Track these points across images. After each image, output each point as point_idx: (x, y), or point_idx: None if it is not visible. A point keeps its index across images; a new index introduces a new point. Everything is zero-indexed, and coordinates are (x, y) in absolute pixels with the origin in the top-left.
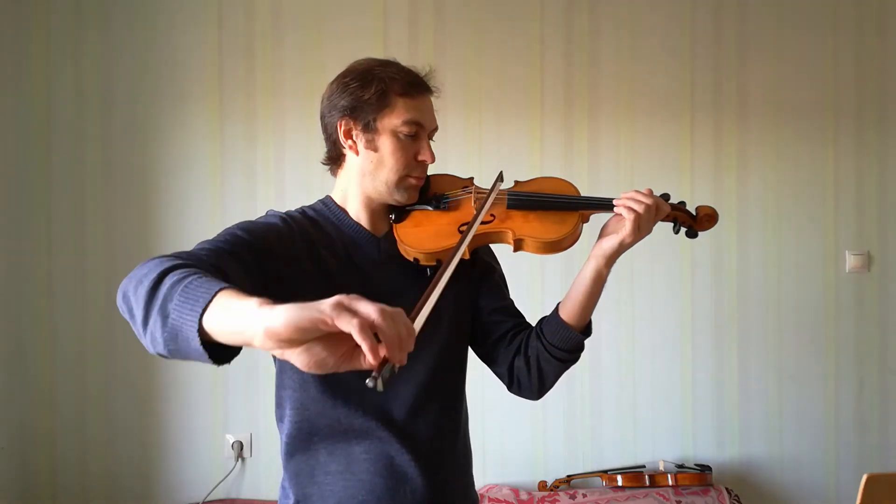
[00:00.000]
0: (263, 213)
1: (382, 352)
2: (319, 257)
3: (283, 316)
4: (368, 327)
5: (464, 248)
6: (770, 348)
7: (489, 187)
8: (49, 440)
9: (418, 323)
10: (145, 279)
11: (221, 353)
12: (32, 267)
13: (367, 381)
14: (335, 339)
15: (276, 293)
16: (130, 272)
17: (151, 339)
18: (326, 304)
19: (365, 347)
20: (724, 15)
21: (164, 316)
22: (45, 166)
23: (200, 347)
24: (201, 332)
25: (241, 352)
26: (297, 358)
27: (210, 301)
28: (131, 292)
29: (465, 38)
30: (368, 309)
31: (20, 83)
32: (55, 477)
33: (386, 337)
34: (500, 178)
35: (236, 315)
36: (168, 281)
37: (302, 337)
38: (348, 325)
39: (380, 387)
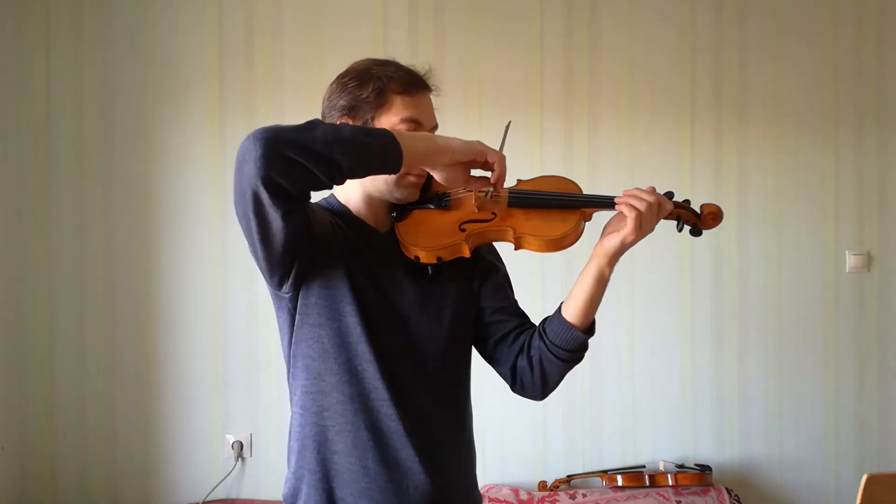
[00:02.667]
0: None
1: (493, 178)
2: (337, 236)
3: (458, 143)
4: (504, 162)
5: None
6: (770, 348)
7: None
8: (49, 440)
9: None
10: (307, 128)
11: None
12: (32, 267)
13: (487, 191)
14: (463, 169)
15: (313, 246)
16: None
17: (325, 151)
18: (478, 143)
19: (499, 170)
20: (724, 15)
21: (369, 134)
22: (45, 166)
23: (400, 156)
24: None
25: (245, 346)
26: (443, 170)
27: (390, 134)
28: (278, 126)
29: (465, 37)
30: (495, 151)
31: (20, 83)
32: (55, 477)
33: (501, 171)
34: (507, 126)
35: (423, 141)
36: (335, 128)
37: (462, 159)
38: (494, 157)
39: (489, 194)
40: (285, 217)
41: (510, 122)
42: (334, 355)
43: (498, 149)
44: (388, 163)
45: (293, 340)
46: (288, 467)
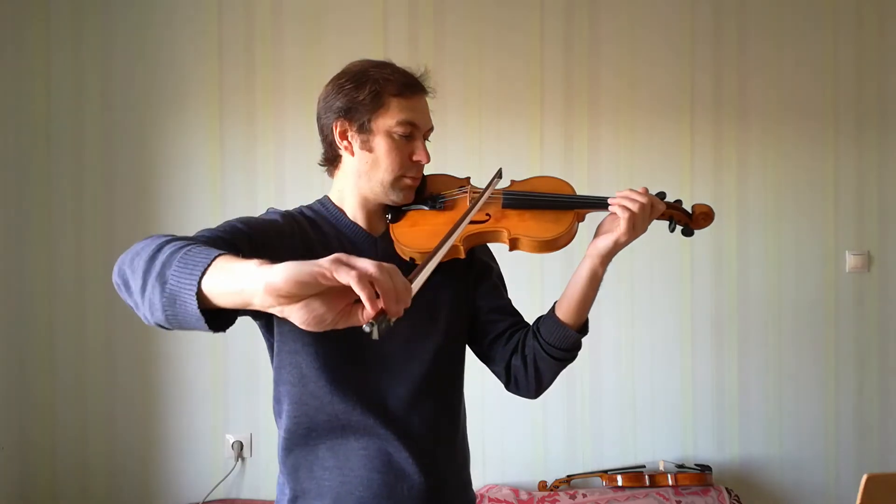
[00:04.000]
0: (264, 212)
1: (379, 304)
2: (317, 256)
3: (283, 271)
4: (367, 279)
5: (465, 223)
6: (770, 348)
7: (485, 186)
8: (49, 441)
9: (416, 285)
10: (143, 251)
11: (218, 320)
12: (32, 267)
13: (364, 326)
14: (333, 296)
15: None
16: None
17: (150, 306)
18: (325, 260)
19: (363, 297)
20: (724, 15)
21: (163, 282)
22: (45, 166)
23: (198, 312)
24: (200, 297)
25: (245, 346)
26: (297, 314)
27: (209, 265)
28: (127, 265)
29: (465, 37)
30: (366, 263)
31: (20, 83)
32: (55, 478)
33: (383, 288)
34: (498, 174)
35: (236, 275)
36: (167, 250)
37: (301, 292)
38: (347, 277)
39: (375, 334)
40: (223, 329)
41: (500, 169)
42: (314, 379)
43: (483, 191)
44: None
45: (275, 366)
46: (279, 489)
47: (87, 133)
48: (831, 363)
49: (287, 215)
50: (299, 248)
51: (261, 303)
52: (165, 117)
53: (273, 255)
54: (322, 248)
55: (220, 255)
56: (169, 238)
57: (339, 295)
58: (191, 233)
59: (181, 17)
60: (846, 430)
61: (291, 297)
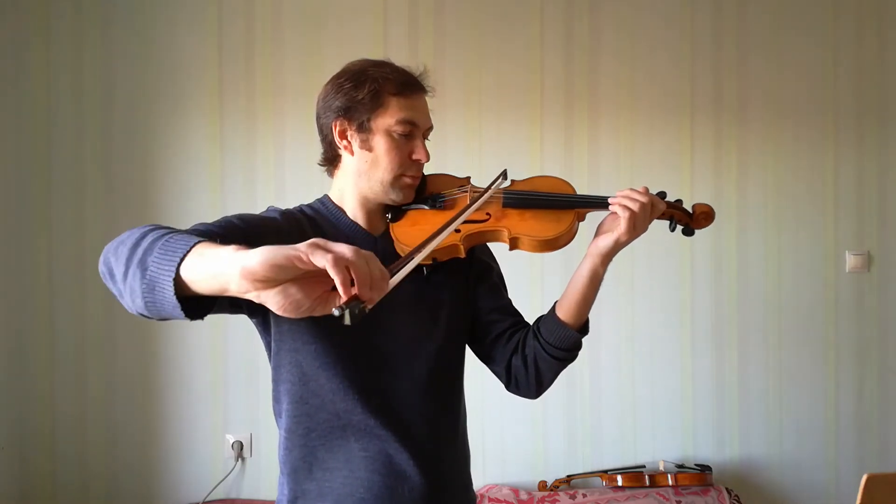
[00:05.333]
0: (264, 210)
1: (354, 290)
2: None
3: (259, 255)
4: (343, 263)
5: (460, 221)
6: (770, 348)
7: (487, 185)
8: (49, 440)
9: (396, 278)
10: (127, 240)
11: (196, 308)
12: (32, 267)
13: (334, 310)
14: (310, 282)
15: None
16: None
17: (130, 293)
18: (302, 244)
19: (337, 280)
20: (723, 16)
21: (144, 269)
22: (45, 166)
23: (174, 298)
24: (178, 284)
25: (245, 346)
26: (273, 299)
27: (188, 252)
28: (111, 253)
29: (465, 39)
30: (343, 247)
31: (20, 83)
32: (55, 477)
33: (358, 273)
34: (503, 174)
35: (212, 260)
36: (150, 237)
37: (277, 276)
38: (322, 260)
39: (347, 320)
40: (200, 317)
41: (505, 170)
42: (314, 377)
43: (484, 190)
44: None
45: (273, 365)
46: (279, 489)
47: (88, 133)
48: (831, 363)
49: (287, 213)
50: None
51: (237, 288)
52: (166, 117)
53: None
54: None
55: (199, 241)
56: (153, 227)
57: (317, 281)
58: None
59: (182, 19)
60: (846, 430)
61: (268, 282)
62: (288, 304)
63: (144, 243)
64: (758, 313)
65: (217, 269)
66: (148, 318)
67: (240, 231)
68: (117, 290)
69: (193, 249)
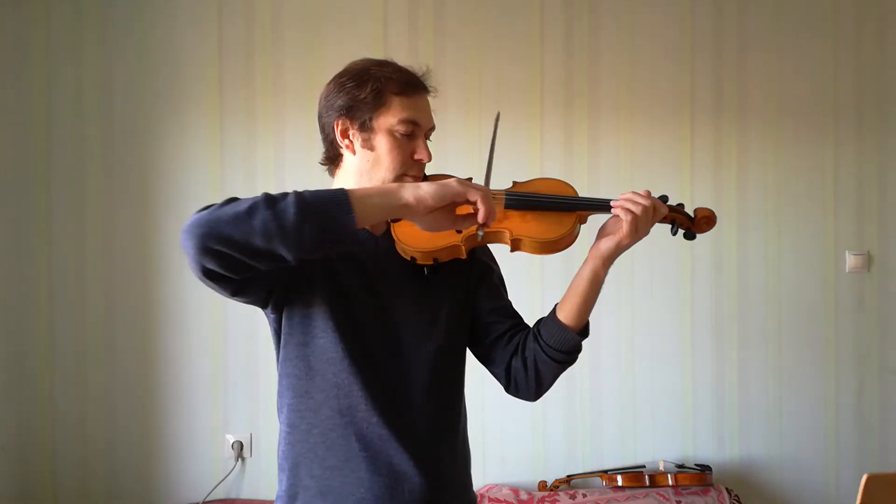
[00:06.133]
0: None
1: (480, 217)
2: None
3: (431, 189)
4: (487, 198)
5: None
6: (770, 348)
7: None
8: (49, 440)
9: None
10: (246, 213)
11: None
12: (32, 267)
13: (478, 231)
14: (444, 210)
15: (289, 272)
16: (187, 222)
17: (298, 238)
18: (455, 183)
19: (482, 210)
20: (724, 15)
21: (312, 213)
22: (45, 166)
23: (355, 228)
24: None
25: (245, 346)
26: (424, 219)
27: (346, 193)
28: (230, 226)
29: (465, 38)
30: (480, 187)
31: (20, 83)
32: (55, 477)
33: (490, 207)
34: (497, 118)
35: (384, 190)
36: (290, 197)
37: (438, 204)
38: (475, 195)
39: (480, 235)
40: (237, 293)
41: (499, 113)
42: (320, 372)
43: (490, 144)
44: (338, 243)
45: (280, 358)
46: (279, 484)
47: (88, 133)
48: (831, 363)
49: None
50: None
51: (402, 209)
52: (166, 117)
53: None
54: None
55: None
56: (251, 199)
57: (450, 209)
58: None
59: (182, 18)
60: (846, 430)
61: (429, 209)
62: (433, 223)
63: (287, 214)
64: (758, 313)
65: (392, 196)
66: (306, 257)
67: None
68: (246, 226)
69: (350, 192)
